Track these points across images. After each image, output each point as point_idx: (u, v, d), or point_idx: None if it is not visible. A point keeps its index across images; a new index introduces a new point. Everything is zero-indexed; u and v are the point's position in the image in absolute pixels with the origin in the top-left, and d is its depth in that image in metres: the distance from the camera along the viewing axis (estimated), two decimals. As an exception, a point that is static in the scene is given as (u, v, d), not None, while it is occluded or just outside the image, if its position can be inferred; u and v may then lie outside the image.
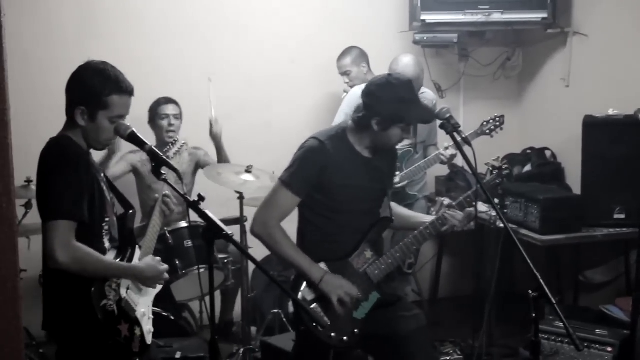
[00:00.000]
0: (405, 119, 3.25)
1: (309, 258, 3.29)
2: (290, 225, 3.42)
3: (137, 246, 3.21)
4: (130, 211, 3.16)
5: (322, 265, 3.31)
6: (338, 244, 3.37)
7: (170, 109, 5.06)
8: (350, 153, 3.33)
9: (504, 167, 3.67)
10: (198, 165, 5.24)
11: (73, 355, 2.96)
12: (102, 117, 2.89)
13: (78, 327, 2.87)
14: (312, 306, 3.27)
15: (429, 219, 3.55)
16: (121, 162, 4.96)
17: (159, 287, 3.26)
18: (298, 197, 3.29)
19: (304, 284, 3.30)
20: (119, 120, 2.92)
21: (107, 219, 2.97)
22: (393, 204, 3.62)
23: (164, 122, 5.04)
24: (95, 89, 2.86)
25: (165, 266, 3.19)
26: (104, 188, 3.00)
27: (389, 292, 3.46)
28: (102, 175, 3.05)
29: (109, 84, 2.88)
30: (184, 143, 3.61)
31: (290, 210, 3.34)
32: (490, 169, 3.71)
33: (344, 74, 5.50)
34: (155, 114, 5.07)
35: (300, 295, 3.28)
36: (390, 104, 3.19)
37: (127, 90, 2.93)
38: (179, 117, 5.09)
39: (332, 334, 3.23)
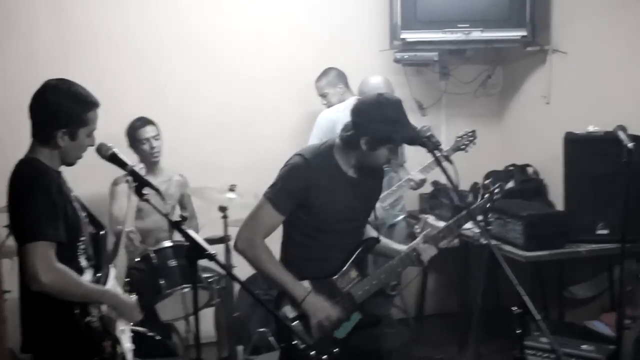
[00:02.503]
0: (395, 140, 3.23)
1: (292, 276, 3.27)
2: (274, 244, 3.41)
3: (111, 266, 3.20)
4: (102, 231, 3.15)
5: (306, 283, 3.29)
6: (321, 262, 3.35)
7: (148, 131, 5.03)
8: (335, 171, 3.31)
9: (495, 190, 3.65)
10: (183, 194, 5.23)
11: None
12: (82, 134, 2.91)
13: (62, 346, 2.86)
14: (293, 324, 3.26)
15: (400, 247, 3.53)
16: (122, 199, 4.79)
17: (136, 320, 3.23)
18: (282, 214, 3.28)
19: (285, 301, 3.29)
20: (93, 133, 2.95)
21: (82, 238, 2.97)
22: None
23: (146, 147, 5.02)
24: (73, 110, 2.88)
25: (136, 303, 3.16)
26: (77, 207, 2.99)
27: (371, 313, 3.44)
28: (73, 194, 3.04)
29: (84, 102, 2.91)
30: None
31: (274, 227, 3.33)
32: (482, 191, 3.71)
33: (321, 95, 5.54)
34: (134, 139, 5.04)
35: (282, 312, 3.27)
36: (379, 124, 3.16)
37: (97, 104, 2.96)
38: (157, 137, 5.07)
39: (312, 352, 3.21)
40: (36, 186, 2.80)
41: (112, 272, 3.17)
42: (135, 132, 5.04)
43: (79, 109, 2.88)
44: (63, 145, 2.89)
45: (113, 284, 3.13)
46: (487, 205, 3.64)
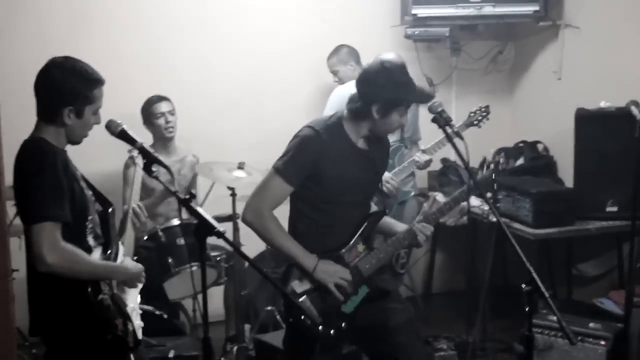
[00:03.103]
0: (405, 101, 3.24)
1: (301, 247, 3.26)
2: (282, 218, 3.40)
3: (120, 243, 3.20)
4: (110, 209, 3.15)
5: (314, 256, 3.29)
6: (330, 235, 3.34)
7: (163, 107, 5.04)
8: (345, 143, 3.30)
9: (500, 161, 3.65)
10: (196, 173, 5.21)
11: (68, 356, 2.93)
12: (88, 112, 2.89)
13: (74, 326, 2.86)
14: (301, 299, 3.26)
15: (403, 227, 3.51)
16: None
17: (140, 285, 3.25)
18: (291, 185, 3.26)
19: (293, 275, 3.29)
20: (99, 111, 2.94)
21: (89, 217, 2.96)
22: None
23: (161, 121, 5.02)
24: (79, 87, 2.86)
25: (141, 266, 3.18)
26: (84, 186, 2.99)
27: (379, 286, 3.44)
28: (79, 173, 3.03)
29: (89, 79, 2.89)
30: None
31: (282, 199, 3.31)
32: (486, 164, 3.70)
33: (332, 72, 5.51)
34: (149, 114, 5.04)
35: (289, 287, 3.26)
36: (389, 88, 3.17)
37: (102, 81, 2.94)
38: (173, 112, 5.08)
39: (319, 327, 3.21)
40: (42, 166, 2.78)
41: (121, 249, 3.17)
42: (150, 106, 5.04)
43: (84, 87, 2.87)
44: (70, 123, 2.88)
45: (122, 260, 3.13)
46: (492, 176, 3.64)
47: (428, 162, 4.85)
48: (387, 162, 3.68)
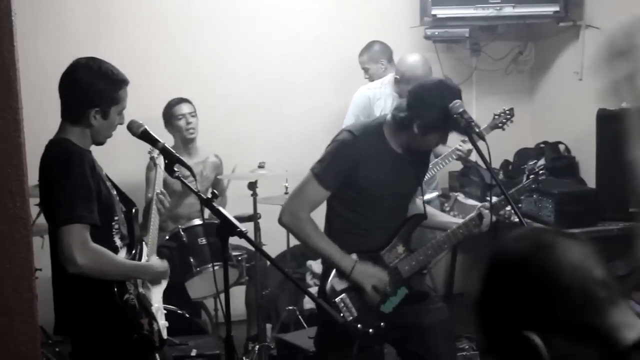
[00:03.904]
0: (449, 128, 3.20)
1: (339, 248, 3.26)
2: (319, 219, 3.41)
3: (144, 242, 3.22)
4: (134, 209, 3.17)
5: (353, 256, 3.28)
6: (366, 237, 3.35)
7: (185, 108, 5.07)
8: (384, 148, 3.29)
9: (540, 172, 3.65)
10: (218, 174, 5.24)
11: (94, 355, 2.95)
12: (114, 112, 2.92)
13: (100, 326, 2.88)
14: (341, 296, 3.26)
15: (451, 218, 3.55)
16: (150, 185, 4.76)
17: (165, 283, 3.27)
18: (328, 190, 3.26)
19: (333, 272, 3.29)
20: (123, 111, 2.96)
21: (116, 218, 2.98)
22: (418, 201, 3.61)
23: (182, 122, 5.05)
24: (105, 88, 2.88)
25: (166, 262, 3.22)
26: (109, 186, 3.01)
27: (418, 289, 3.44)
28: (104, 173, 3.05)
29: (115, 80, 2.91)
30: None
31: (319, 203, 3.32)
32: (527, 172, 3.71)
33: (363, 69, 5.50)
34: (170, 116, 5.07)
35: (329, 284, 3.27)
36: (436, 111, 3.13)
37: (127, 81, 2.97)
38: (194, 114, 5.11)
39: (358, 326, 3.22)
40: (70, 167, 2.79)
41: (145, 248, 3.19)
42: (171, 108, 5.08)
43: (110, 87, 2.89)
44: (95, 124, 2.90)
45: (147, 259, 3.15)
46: (533, 186, 3.66)
47: (470, 151, 4.80)
48: (427, 168, 3.68)
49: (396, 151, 3.31)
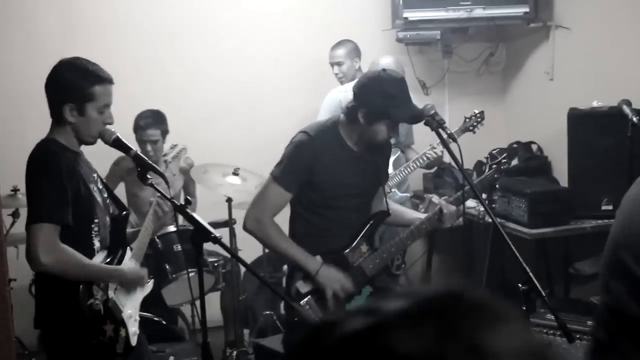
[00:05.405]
0: (391, 116, 3.22)
1: (304, 250, 3.29)
2: (283, 224, 3.42)
3: (128, 248, 3.20)
4: (124, 212, 3.16)
5: (318, 258, 3.31)
6: (329, 238, 3.37)
7: (148, 135, 4.83)
8: (340, 147, 3.31)
9: (502, 160, 3.67)
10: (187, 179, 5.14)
11: (60, 354, 2.97)
12: (91, 109, 2.90)
13: (64, 326, 2.89)
14: (306, 298, 3.28)
15: (418, 215, 3.57)
16: (111, 179, 4.74)
17: (147, 289, 3.26)
18: (289, 192, 3.28)
19: (297, 276, 3.31)
20: (106, 109, 2.94)
21: (96, 220, 2.96)
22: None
23: (144, 146, 4.81)
24: (77, 83, 2.88)
25: (145, 270, 3.21)
26: (95, 188, 2.99)
27: (382, 286, 3.46)
28: (95, 175, 3.04)
29: (89, 76, 2.91)
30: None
31: (282, 206, 3.34)
32: (488, 163, 3.72)
33: (337, 64, 5.44)
34: (136, 133, 4.85)
35: (295, 287, 3.29)
36: (377, 98, 3.17)
37: (107, 79, 2.95)
38: (157, 140, 4.84)
39: None
40: (45, 168, 2.82)
41: (128, 253, 3.17)
42: (137, 128, 4.85)
43: (83, 83, 2.88)
44: (72, 121, 2.89)
45: (128, 265, 3.12)
46: (496, 176, 3.67)
47: (441, 157, 4.80)
48: (387, 166, 3.69)
49: (353, 149, 3.33)
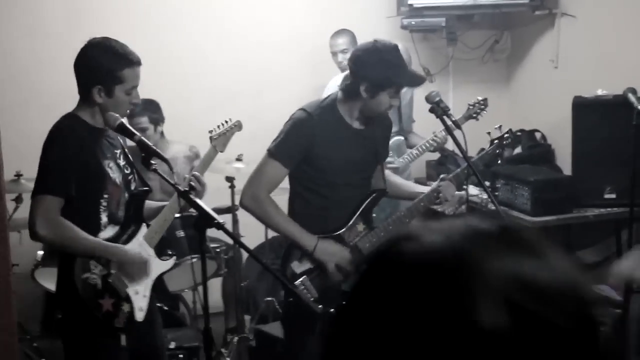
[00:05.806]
0: (394, 83, 3.22)
1: (300, 227, 3.28)
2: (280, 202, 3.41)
3: (144, 225, 3.18)
4: (145, 188, 3.15)
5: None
6: (327, 216, 3.37)
7: (134, 123, 4.62)
8: (339, 125, 3.31)
9: (505, 135, 3.66)
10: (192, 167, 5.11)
11: (63, 326, 3.05)
12: (119, 91, 2.93)
13: (62, 299, 2.97)
14: (301, 279, 3.29)
15: (422, 188, 3.55)
16: None
17: (167, 266, 3.26)
18: (286, 168, 3.28)
19: (293, 257, 3.31)
20: (134, 91, 2.98)
21: (105, 195, 2.96)
22: (387, 172, 3.61)
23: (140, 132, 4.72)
24: (108, 66, 2.91)
25: (150, 255, 3.18)
26: (112, 164, 2.99)
27: None
28: (118, 152, 3.04)
29: (120, 59, 2.94)
30: (235, 124, 3.57)
31: (278, 182, 3.34)
32: (491, 138, 3.71)
33: (342, 51, 5.40)
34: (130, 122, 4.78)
35: (290, 267, 3.30)
36: (377, 68, 3.17)
37: (136, 62, 3.00)
38: (146, 129, 4.72)
39: (320, 306, 3.23)
40: (53, 140, 2.86)
41: (142, 231, 3.15)
42: (132, 117, 4.81)
43: (113, 66, 2.91)
44: (100, 102, 2.92)
45: (137, 242, 3.11)
46: (497, 151, 3.66)
47: (445, 140, 4.78)
48: (388, 142, 3.68)
49: (352, 126, 3.33)
